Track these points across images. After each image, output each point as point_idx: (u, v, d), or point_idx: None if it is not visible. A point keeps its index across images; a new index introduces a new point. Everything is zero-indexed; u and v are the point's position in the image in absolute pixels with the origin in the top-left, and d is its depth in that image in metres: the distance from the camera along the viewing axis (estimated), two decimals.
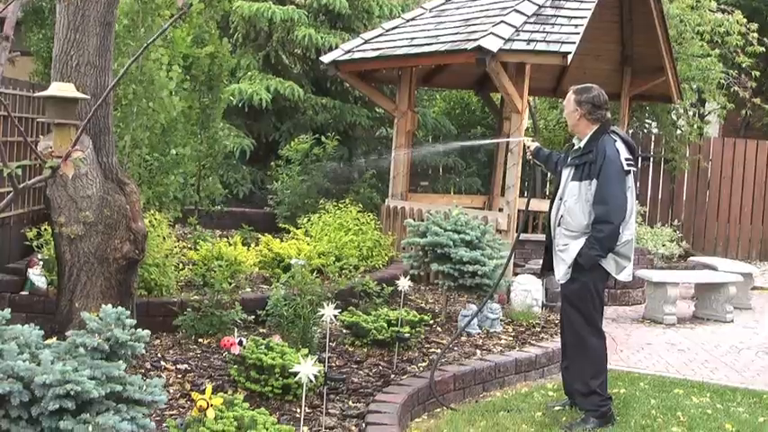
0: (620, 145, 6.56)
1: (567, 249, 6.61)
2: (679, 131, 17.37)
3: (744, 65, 16.47)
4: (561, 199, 6.75)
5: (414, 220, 10.32)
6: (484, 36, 10.57)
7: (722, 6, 16.52)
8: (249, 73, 15.00)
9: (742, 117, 19.25)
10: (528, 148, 7.46)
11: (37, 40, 10.82)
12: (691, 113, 17.38)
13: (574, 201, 6.58)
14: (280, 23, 14.85)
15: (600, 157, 6.46)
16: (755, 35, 16.28)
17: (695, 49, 15.94)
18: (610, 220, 6.40)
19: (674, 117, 17.36)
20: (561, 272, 6.69)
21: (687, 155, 17.25)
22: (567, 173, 6.76)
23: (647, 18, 12.80)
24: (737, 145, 17.63)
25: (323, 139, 13.90)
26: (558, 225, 6.73)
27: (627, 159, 6.52)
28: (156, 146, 9.32)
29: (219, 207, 12.28)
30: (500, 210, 12.25)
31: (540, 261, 7.38)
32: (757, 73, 16.84)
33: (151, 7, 8.92)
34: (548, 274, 7.20)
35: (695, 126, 17.14)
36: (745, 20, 16.30)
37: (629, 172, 6.52)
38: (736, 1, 17.69)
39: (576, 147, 6.79)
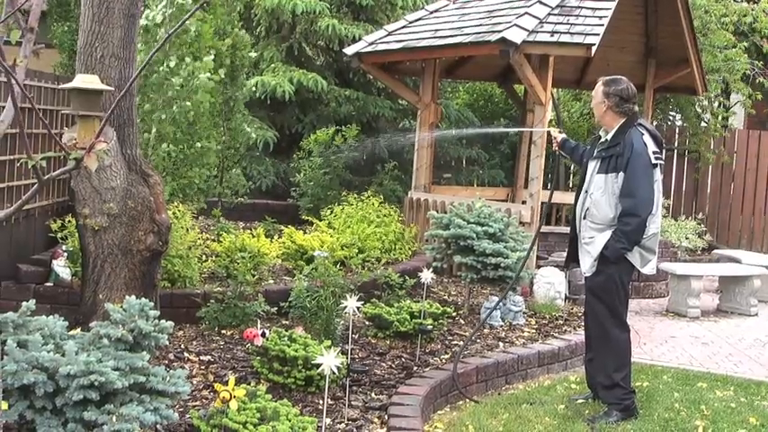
0: (647, 138, 6.53)
1: (593, 242, 6.60)
2: (704, 124, 17.25)
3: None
4: (587, 191, 6.73)
5: (437, 212, 10.30)
6: (508, 28, 10.53)
7: None
8: (273, 65, 14.99)
9: (767, 109, 19.09)
10: (555, 139, 7.46)
11: (61, 33, 10.87)
12: (715, 105, 17.22)
13: (600, 193, 6.56)
14: (302, 15, 14.84)
15: (627, 150, 6.43)
16: None
17: (720, 40, 15.82)
18: (637, 213, 6.38)
19: (699, 109, 17.23)
20: (587, 264, 6.68)
21: (712, 147, 17.13)
22: (593, 165, 6.75)
23: (671, 9, 12.71)
24: (763, 137, 17.48)
25: (345, 130, 13.90)
26: (584, 218, 6.72)
27: (654, 153, 6.48)
28: (181, 139, 9.35)
29: (242, 199, 12.31)
30: (523, 202, 12.22)
31: (564, 253, 7.37)
32: None
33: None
34: (573, 266, 7.19)
35: (720, 118, 17.01)
36: None
37: (656, 165, 6.48)
38: None
39: (602, 139, 6.76)
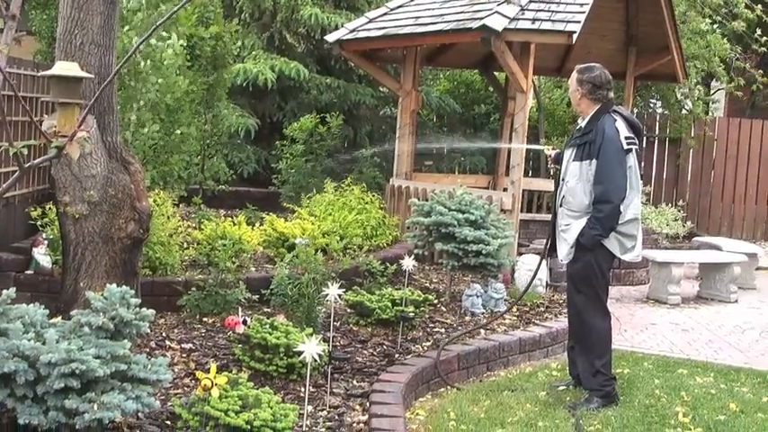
0: (620, 124, 6.53)
1: (569, 229, 6.64)
2: (684, 111, 17.32)
3: (746, 39, 16.43)
4: (563, 179, 6.77)
5: (418, 199, 10.31)
6: (489, 15, 10.54)
7: None
8: (254, 53, 14.97)
9: (748, 96, 19.17)
10: (548, 156, 7.52)
11: (40, 20, 10.79)
12: (696, 92, 17.28)
13: (575, 180, 6.58)
14: (284, 3, 14.82)
15: (599, 137, 6.46)
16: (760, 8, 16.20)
17: (700, 26, 15.86)
18: (610, 200, 6.40)
19: (680, 96, 17.28)
20: (564, 252, 6.73)
21: (692, 134, 17.20)
22: (569, 153, 6.77)
23: None
24: (743, 125, 17.56)
25: (327, 118, 13.88)
26: (561, 205, 6.76)
27: (627, 138, 6.48)
28: (161, 125, 9.32)
29: (224, 186, 12.29)
30: (504, 189, 12.25)
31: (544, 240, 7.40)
32: (764, 49, 16.73)
33: None
34: (554, 254, 7.19)
35: (700, 104, 17.07)
36: None
37: (629, 150, 6.47)
38: None
39: (578, 127, 6.81)
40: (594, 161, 6.46)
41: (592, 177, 6.48)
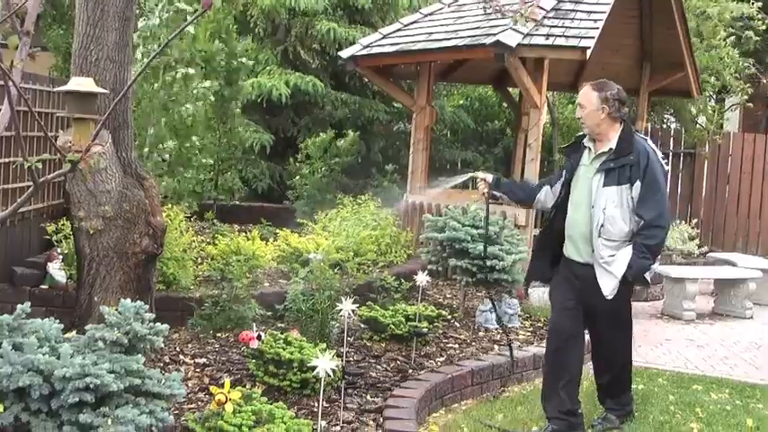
0: (652, 144, 6.23)
1: (615, 261, 6.04)
2: (699, 126, 17.30)
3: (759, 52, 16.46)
4: (594, 206, 6.13)
5: (432, 215, 10.31)
6: (503, 31, 10.55)
7: None
8: (268, 68, 15.03)
9: (762, 111, 19.17)
10: (483, 180, 6.79)
11: (56, 36, 10.89)
12: (710, 106, 17.26)
13: (613, 207, 6.03)
14: (299, 17, 14.89)
15: (643, 159, 6.01)
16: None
17: (715, 39, 15.85)
18: (662, 225, 6.03)
19: (694, 111, 17.26)
20: (609, 287, 6.06)
21: (707, 149, 17.18)
22: (597, 178, 6.15)
23: (667, 13, 12.74)
24: (757, 140, 17.51)
25: (342, 134, 13.93)
26: (599, 236, 6.09)
27: (662, 158, 6.24)
28: (177, 141, 9.38)
29: (237, 202, 12.33)
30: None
31: None
32: None
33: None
34: (534, 284, 6.94)
35: (715, 119, 17.07)
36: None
37: (665, 172, 6.26)
38: None
39: (600, 150, 6.21)
40: (638, 184, 5.99)
41: (631, 203, 6.02)
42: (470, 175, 7.16)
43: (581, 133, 6.50)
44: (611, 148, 6.14)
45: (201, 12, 3.53)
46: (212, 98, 9.62)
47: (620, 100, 6.16)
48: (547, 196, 6.61)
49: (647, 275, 6.19)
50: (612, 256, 6.03)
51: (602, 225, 6.05)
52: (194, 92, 9.28)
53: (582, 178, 6.30)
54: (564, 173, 6.51)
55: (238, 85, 11.95)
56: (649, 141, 6.29)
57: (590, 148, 6.32)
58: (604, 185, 6.09)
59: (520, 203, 7.42)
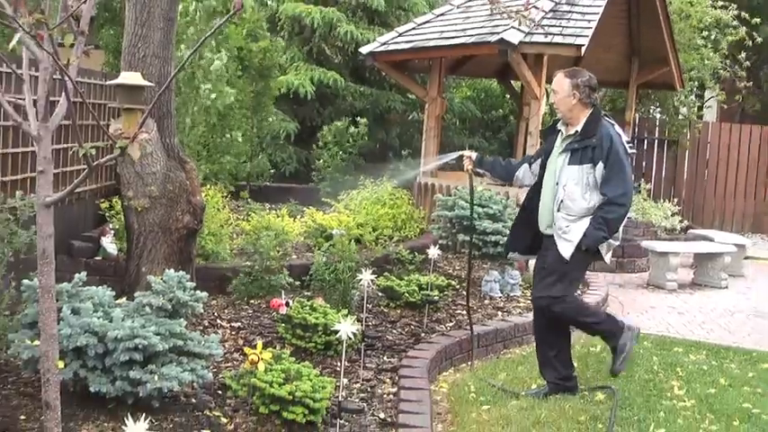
0: (618, 129, 6.05)
1: (570, 231, 5.88)
2: (681, 116, 17.27)
3: (738, 56, 16.39)
4: (557, 183, 5.99)
5: (443, 195, 10.30)
6: (506, 30, 10.56)
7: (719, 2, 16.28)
8: (295, 64, 15.04)
9: (737, 103, 19.12)
10: (468, 157, 6.60)
11: (108, 35, 10.88)
12: (691, 99, 17.23)
13: (573, 184, 5.91)
14: (323, 20, 14.88)
15: (605, 142, 5.84)
16: (744, 29, 16.10)
17: (697, 40, 15.78)
18: (622, 203, 5.87)
19: (677, 103, 17.21)
20: (569, 252, 5.85)
21: (688, 137, 17.17)
22: (562, 158, 6.01)
23: (653, 14, 12.71)
24: (733, 129, 17.54)
25: (357, 122, 13.96)
26: (558, 210, 5.96)
27: (628, 143, 6.08)
28: (213, 129, 9.38)
29: (268, 182, 12.36)
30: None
31: None
32: (748, 63, 16.72)
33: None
34: (513, 256, 6.74)
35: (695, 110, 17.05)
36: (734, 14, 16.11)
37: (629, 155, 6.07)
38: None
39: (567, 132, 6.05)
40: (600, 165, 5.84)
41: (592, 181, 5.87)
42: (458, 153, 6.92)
43: (557, 117, 6.34)
44: (577, 131, 5.98)
45: (233, 12, 3.53)
46: (226, 75, 9.55)
47: (591, 87, 5.98)
48: (525, 174, 6.42)
49: (603, 249, 5.99)
50: (568, 227, 5.89)
51: (561, 201, 5.92)
52: (213, 71, 9.23)
53: (552, 158, 6.15)
54: (543, 154, 6.35)
55: (271, 80, 11.94)
56: (616, 126, 6.06)
57: (562, 131, 6.15)
58: (569, 164, 5.94)
59: (501, 179, 7.17)
